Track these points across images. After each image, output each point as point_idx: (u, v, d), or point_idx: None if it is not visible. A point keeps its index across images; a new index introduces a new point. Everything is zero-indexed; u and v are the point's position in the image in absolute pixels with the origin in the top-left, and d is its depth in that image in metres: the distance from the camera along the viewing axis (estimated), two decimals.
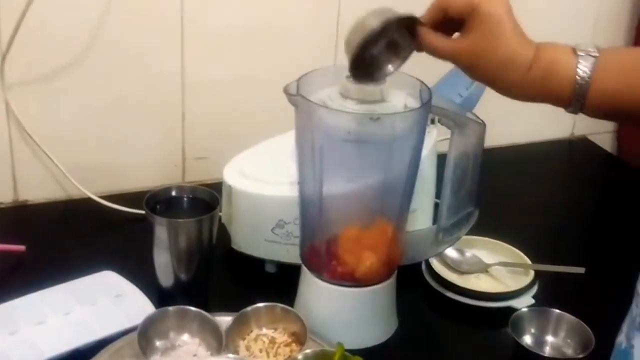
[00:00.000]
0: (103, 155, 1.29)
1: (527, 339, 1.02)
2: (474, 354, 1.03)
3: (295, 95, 0.94)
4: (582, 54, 0.81)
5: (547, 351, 1.01)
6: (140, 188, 1.21)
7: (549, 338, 1.03)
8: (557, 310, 1.03)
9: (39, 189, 1.27)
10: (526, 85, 0.83)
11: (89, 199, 1.25)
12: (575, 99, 0.81)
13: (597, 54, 0.81)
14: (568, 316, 1.02)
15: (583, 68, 0.80)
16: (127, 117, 1.28)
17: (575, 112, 0.84)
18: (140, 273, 1.04)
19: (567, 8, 1.55)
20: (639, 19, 1.59)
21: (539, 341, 1.02)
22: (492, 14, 0.81)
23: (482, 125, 1.03)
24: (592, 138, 1.67)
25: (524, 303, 1.08)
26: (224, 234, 1.12)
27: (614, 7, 1.59)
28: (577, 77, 0.80)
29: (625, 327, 0.69)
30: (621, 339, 0.70)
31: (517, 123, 1.58)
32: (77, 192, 1.26)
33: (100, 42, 1.22)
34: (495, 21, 0.81)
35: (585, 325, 1.00)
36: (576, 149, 1.66)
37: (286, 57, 1.32)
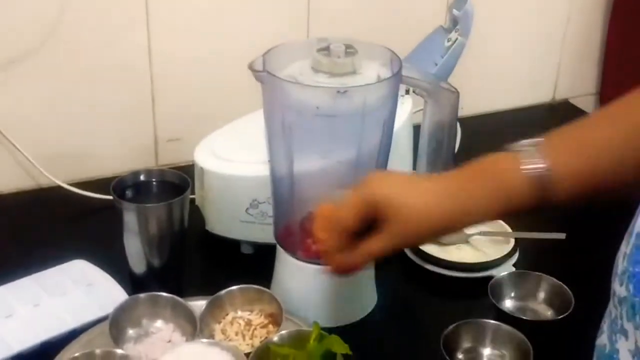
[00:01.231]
0: (72, 142, 1.26)
1: (508, 303, 1.02)
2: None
3: (261, 72, 0.92)
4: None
5: (528, 314, 1.01)
6: (112, 173, 1.18)
7: (529, 302, 1.02)
8: (536, 273, 1.03)
9: (6, 179, 1.24)
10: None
11: (59, 187, 1.22)
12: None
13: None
14: (547, 278, 1.02)
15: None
16: (94, 101, 1.25)
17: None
18: (113, 260, 1.02)
19: None
20: None
21: (519, 305, 1.02)
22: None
23: (456, 93, 1.01)
24: (573, 101, 1.65)
25: (504, 272, 1.06)
26: (198, 217, 1.11)
27: None
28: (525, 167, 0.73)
29: (606, 329, 0.67)
30: (603, 340, 0.68)
31: (497, 89, 1.57)
32: (46, 180, 1.23)
33: (64, 26, 1.19)
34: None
35: (565, 286, 0.99)
36: (558, 113, 1.64)
37: (257, 35, 1.28)
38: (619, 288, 0.63)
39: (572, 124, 0.76)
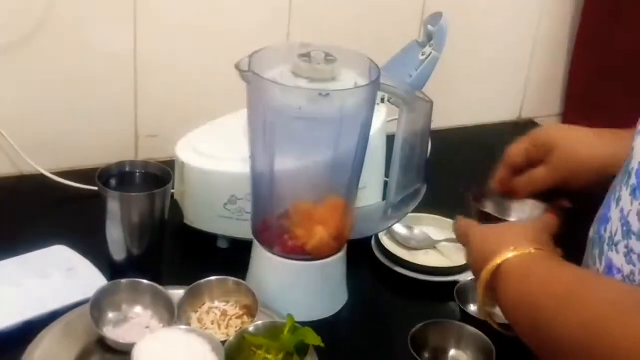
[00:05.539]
0: (55, 132, 1.28)
1: (472, 307, 1.05)
2: None
3: (247, 72, 0.96)
4: None
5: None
6: (93, 165, 1.21)
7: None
8: None
9: None
10: None
11: (41, 175, 1.24)
12: None
13: None
14: None
15: None
16: (79, 93, 1.28)
17: None
18: (92, 248, 1.05)
19: None
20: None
21: None
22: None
23: (430, 103, 1.05)
24: (539, 121, 1.71)
25: (470, 277, 1.10)
26: (176, 210, 1.13)
27: None
28: None
29: None
30: None
31: (464, 105, 1.61)
32: (28, 168, 1.25)
33: (51, 17, 1.21)
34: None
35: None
36: (523, 132, 1.68)
37: (239, 35, 1.32)
38: None
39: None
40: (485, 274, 0.77)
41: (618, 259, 0.72)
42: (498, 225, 0.87)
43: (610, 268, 0.73)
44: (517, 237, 0.79)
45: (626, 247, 0.71)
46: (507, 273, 0.76)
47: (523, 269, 0.75)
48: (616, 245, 0.72)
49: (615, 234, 0.73)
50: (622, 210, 0.72)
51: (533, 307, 0.71)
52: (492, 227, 0.86)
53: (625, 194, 0.72)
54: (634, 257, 0.70)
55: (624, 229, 0.71)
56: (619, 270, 0.71)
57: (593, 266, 0.76)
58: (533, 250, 0.76)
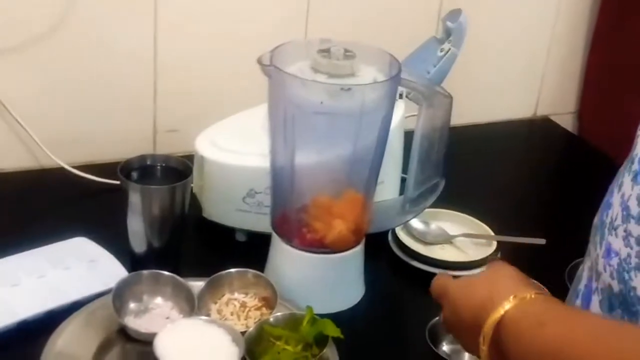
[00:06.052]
0: (76, 126, 1.30)
1: None
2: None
3: (269, 66, 0.96)
4: None
5: None
6: (112, 159, 1.22)
7: None
8: None
9: (11, 158, 1.27)
10: None
11: (62, 169, 1.26)
12: None
13: None
14: None
15: None
16: (99, 89, 1.29)
17: None
18: (113, 240, 1.06)
19: None
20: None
21: None
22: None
23: (449, 98, 1.06)
24: (554, 118, 1.71)
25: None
26: (194, 204, 1.14)
27: None
28: None
29: (614, 274, 0.73)
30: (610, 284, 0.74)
31: (480, 102, 1.61)
32: (49, 161, 1.26)
33: (73, 16, 1.22)
34: None
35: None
36: (538, 129, 1.70)
37: (257, 31, 1.33)
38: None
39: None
40: (488, 328, 0.70)
41: (617, 243, 0.73)
42: (481, 274, 0.80)
43: (608, 251, 0.74)
44: (512, 283, 0.74)
45: (625, 230, 0.72)
46: (515, 322, 0.70)
47: (533, 317, 0.69)
48: (615, 229, 0.73)
49: (616, 219, 0.74)
50: (623, 196, 0.74)
51: (555, 357, 0.65)
52: (476, 277, 0.80)
53: (627, 179, 0.74)
54: (632, 240, 0.71)
55: (624, 213, 0.72)
56: (617, 253, 0.72)
57: (594, 252, 0.77)
58: (533, 295, 0.72)
